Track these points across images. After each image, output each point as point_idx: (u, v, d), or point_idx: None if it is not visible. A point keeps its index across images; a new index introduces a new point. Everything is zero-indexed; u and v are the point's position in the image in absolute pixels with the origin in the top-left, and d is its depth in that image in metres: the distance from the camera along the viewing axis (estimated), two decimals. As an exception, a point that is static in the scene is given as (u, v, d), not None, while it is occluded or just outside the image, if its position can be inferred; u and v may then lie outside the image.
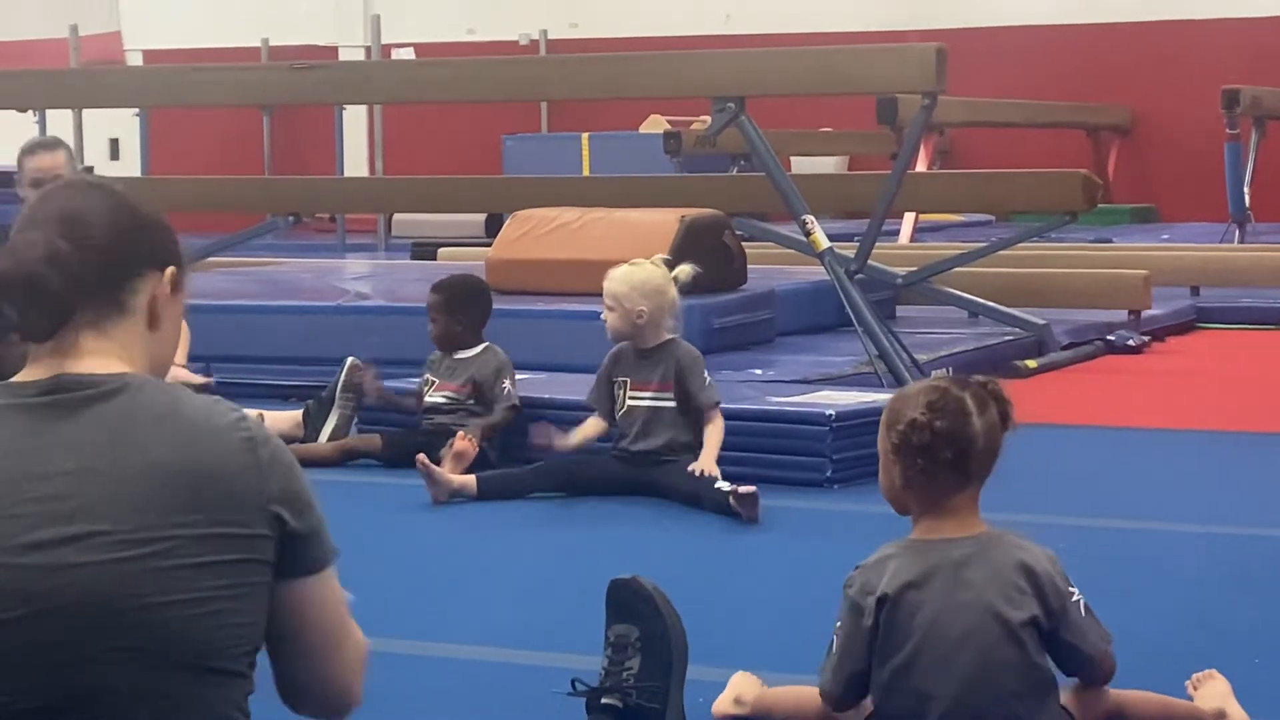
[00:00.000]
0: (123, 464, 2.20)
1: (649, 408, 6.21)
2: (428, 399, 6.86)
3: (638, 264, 6.29)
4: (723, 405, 6.41)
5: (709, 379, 6.22)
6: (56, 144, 7.23)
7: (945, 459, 3.23)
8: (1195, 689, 3.64)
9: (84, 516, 2.17)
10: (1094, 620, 3.31)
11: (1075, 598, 3.28)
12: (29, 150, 7.16)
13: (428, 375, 6.92)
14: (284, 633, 2.33)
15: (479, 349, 6.88)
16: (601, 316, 6.30)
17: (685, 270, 6.32)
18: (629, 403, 6.24)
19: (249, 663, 2.27)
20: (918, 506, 3.30)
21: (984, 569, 3.23)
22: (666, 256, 6.44)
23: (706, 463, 6.06)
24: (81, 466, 2.20)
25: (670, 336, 6.27)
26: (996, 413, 3.29)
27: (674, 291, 6.25)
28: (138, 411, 2.24)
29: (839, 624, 3.29)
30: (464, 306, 6.96)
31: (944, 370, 8.57)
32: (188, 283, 2.41)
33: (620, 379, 6.27)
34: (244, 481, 2.24)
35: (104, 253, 2.28)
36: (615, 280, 6.23)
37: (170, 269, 2.35)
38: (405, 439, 6.79)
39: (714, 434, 6.15)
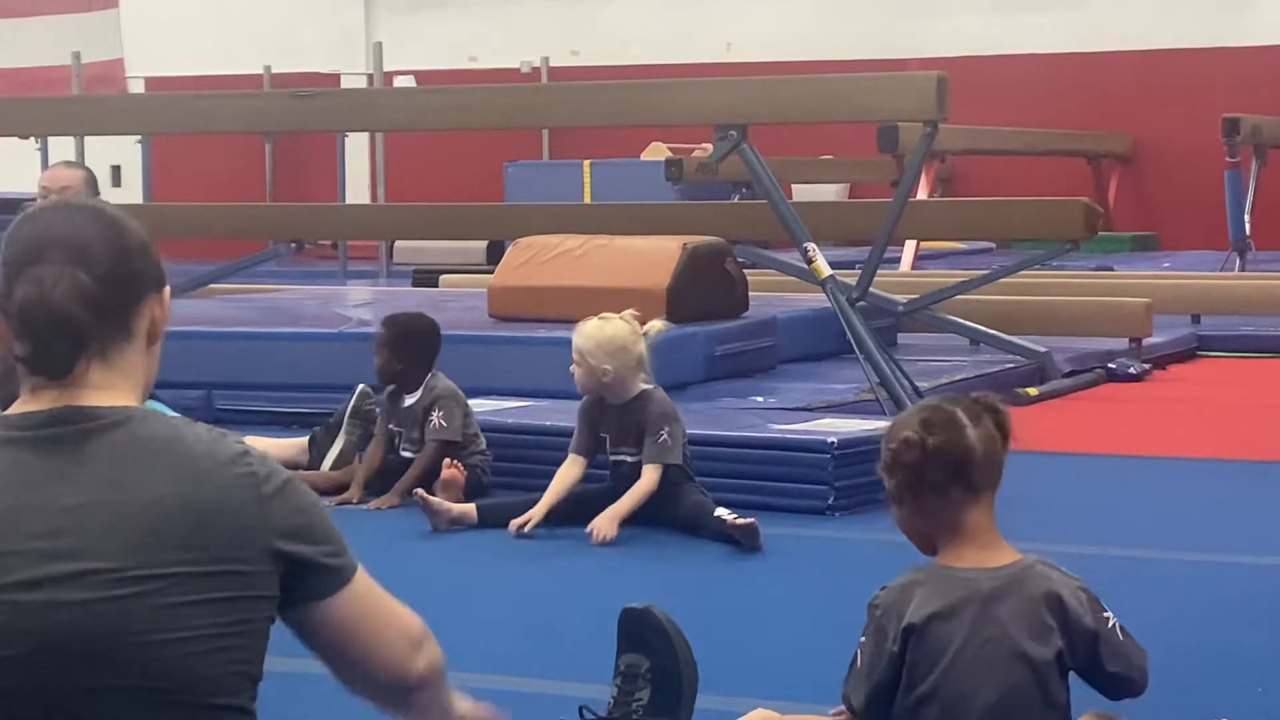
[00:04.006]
0: (123, 499, 2.18)
1: (633, 464, 6.19)
2: (403, 452, 6.80)
3: (607, 319, 6.22)
4: (726, 433, 6.46)
5: (665, 436, 6.09)
6: (78, 165, 7.21)
7: (940, 478, 3.22)
8: None
9: (84, 554, 2.16)
10: (1130, 639, 3.30)
11: (1111, 622, 3.26)
12: (51, 167, 7.16)
13: (391, 425, 6.84)
14: (325, 646, 2.34)
15: (423, 389, 6.78)
16: (570, 370, 6.25)
17: (655, 326, 6.29)
18: (613, 458, 6.23)
19: (250, 696, 2.26)
20: (938, 532, 3.28)
21: (1012, 604, 3.22)
22: (635, 313, 6.36)
23: (604, 521, 5.93)
24: (81, 502, 2.18)
25: (645, 388, 6.21)
26: (992, 423, 3.28)
27: (641, 347, 6.18)
28: (139, 445, 2.22)
29: (863, 640, 3.28)
30: (405, 345, 6.85)
31: (946, 398, 8.58)
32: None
33: (603, 434, 6.25)
34: (246, 518, 2.22)
35: (114, 281, 2.26)
36: (583, 336, 6.19)
37: (166, 289, 2.34)
38: (400, 469, 6.76)
39: (637, 489, 6.05)
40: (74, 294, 2.21)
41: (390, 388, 6.87)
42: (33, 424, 2.23)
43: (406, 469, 6.65)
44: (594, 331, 6.18)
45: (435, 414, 6.68)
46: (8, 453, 2.21)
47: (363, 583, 2.34)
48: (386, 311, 10.25)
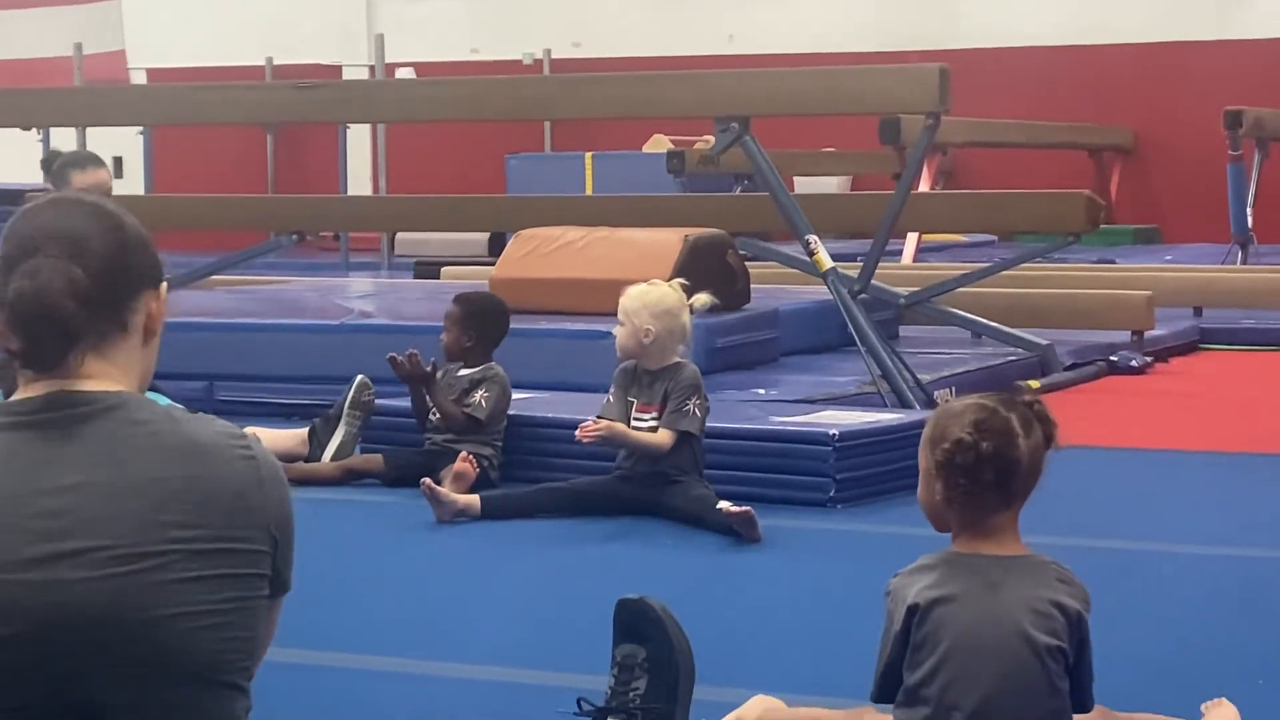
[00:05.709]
0: (121, 479, 2.20)
1: (650, 429, 6.20)
2: (431, 418, 6.85)
3: (655, 284, 6.30)
4: (727, 425, 6.44)
5: (691, 407, 6.13)
6: (101, 161, 7.25)
7: (988, 480, 3.21)
8: (1205, 714, 3.63)
9: (81, 532, 2.17)
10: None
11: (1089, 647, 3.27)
12: (77, 164, 7.15)
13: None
14: None
15: (481, 368, 6.89)
16: (613, 331, 6.31)
17: (702, 299, 6.34)
18: (633, 424, 6.24)
19: (247, 677, 2.27)
20: (958, 524, 3.28)
21: (1018, 591, 3.21)
22: (685, 282, 6.42)
23: (600, 421, 6.09)
24: (79, 482, 2.19)
25: (679, 360, 6.27)
26: (1041, 434, 3.27)
27: (687, 317, 6.25)
28: (136, 427, 2.24)
29: (885, 624, 3.30)
30: (477, 323, 6.98)
31: (947, 391, 8.58)
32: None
33: (631, 399, 6.27)
34: (247, 498, 2.25)
35: (110, 276, 2.26)
36: (630, 297, 6.25)
37: (163, 284, 2.35)
38: (407, 459, 6.80)
39: (646, 437, 6.13)
40: (67, 288, 2.22)
41: (449, 366, 6.92)
42: (28, 410, 2.24)
43: (426, 461, 6.63)
44: (640, 293, 6.24)
45: (480, 390, 6.75)
46: (3, 438, 2.23)
47: (282, 600, 2.38)
48: (386, 304, 10.32)
